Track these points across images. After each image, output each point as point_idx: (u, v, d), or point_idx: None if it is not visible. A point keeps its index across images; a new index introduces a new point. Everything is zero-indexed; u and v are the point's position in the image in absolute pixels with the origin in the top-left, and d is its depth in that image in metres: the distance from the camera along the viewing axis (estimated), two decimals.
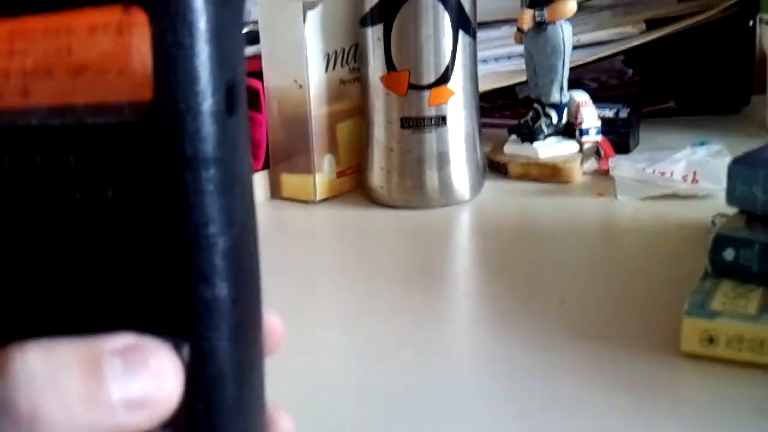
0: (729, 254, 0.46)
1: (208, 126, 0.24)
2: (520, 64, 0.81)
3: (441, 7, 0.66)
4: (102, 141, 0.24)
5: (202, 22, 0.24)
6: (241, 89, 0.26)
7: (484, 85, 0.81)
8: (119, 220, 0.24)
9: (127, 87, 0.24)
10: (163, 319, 0.25)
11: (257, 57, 0.73)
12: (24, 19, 0.24)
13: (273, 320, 0.29)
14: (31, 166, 0.24)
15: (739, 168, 0.48)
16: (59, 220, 0.25)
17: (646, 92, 0.97)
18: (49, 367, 0.23)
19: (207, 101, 0.24)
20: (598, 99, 0.79)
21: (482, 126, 0.73)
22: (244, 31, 0.92)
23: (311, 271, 0.59)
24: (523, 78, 0.80)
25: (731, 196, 0.48)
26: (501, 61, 0.90)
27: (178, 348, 0.25)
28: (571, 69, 0.75)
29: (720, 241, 0.46)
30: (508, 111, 0.95)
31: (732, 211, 0.50)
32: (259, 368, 0.28)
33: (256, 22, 0.74)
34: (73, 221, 0.25)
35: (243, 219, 0.26)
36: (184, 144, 0.24)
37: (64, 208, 0.24)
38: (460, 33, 0.67)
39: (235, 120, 0.26)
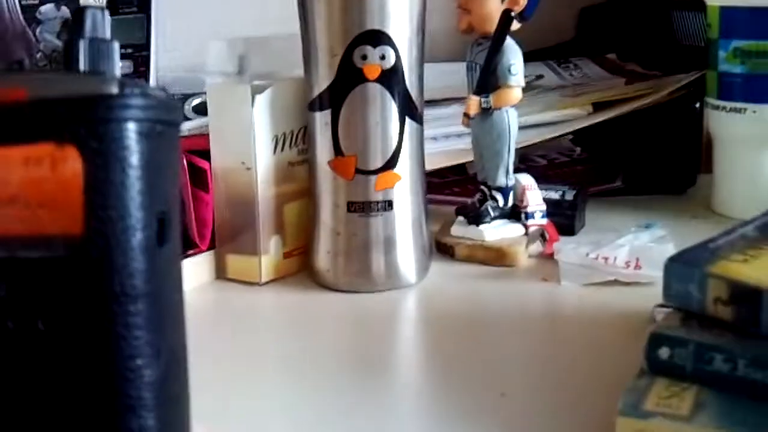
0: (664, 353, 0.46)
1: (137, 261, 0.25)
2: (469, 142, 0.82)
3: (388, 95, 0.67)
4: (33, 274, 0.24)
5: (134, 158, 0.25)
6: (174, 218, 0.26)
7: (434, 164, 0.81)
8: (49, 351, 0.25)
9: (58, 221, 0.24)
10: None
11: (205, 135, 0.73)
12: None
13: None
14: None
15: (674, 266, 0.49)
16: None
17: (594, 170, 0.98)
18: None
19: (137, 236, 0.25)
20: (546, 177, 0.80)
21: (431, 202, 0.73)
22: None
23: (253, 357, 0.59)
24: (471, 157, 0.80)
25: (667, 294, 0.49)
26: (451, 139, 0.91)
27: None
28: (520, 148, 0.76)
29: (655, 340, 0.46)
30: (457, 187, 0.95)
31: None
32: None
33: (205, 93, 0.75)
34: (3, 350, 0.25)
35: (171, 348, 0.26)
36: (113, 279, 0.24)
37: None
38: (407, 120, 0.68)
39: (166, 250, 0.26)
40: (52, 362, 0.25)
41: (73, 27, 0.29)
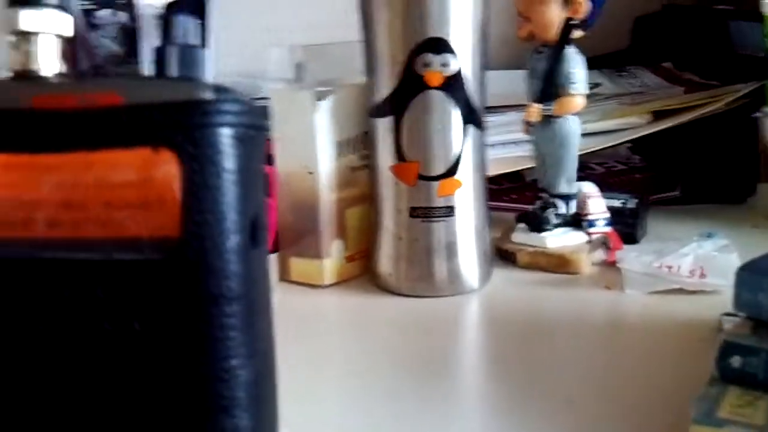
0: (736, 361, 0.46)
1: (233, 263, 0.25)
2: (527, 149, 0.82)
3: (450, 101, 0.67)
4: (129, 276, 0.25)
5: (229, 163, 0.25)
6: (264, 222, 0.27)
7: (491, 170, 0.81)
8: (145, 351, 0.25)
9: (155, 225, 0.25)
10: None
11: (268, 140, 0.74)
12: (59, 155, 0.25)
13: None
14: (60, 298, 0.25)
15: (744, 275, 0.48)
16: (89, 349, 0.25)
17: (652, 179, 0.98)
18: None
19: (232, 239, 0.25)
20: (604, 185, 0.80)
21: (489, 209, 0.74)
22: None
23: (316, 358, 0.60)
24: (529, 163, 0.81)
25: (738, 303, 0.49)
26: (508, 147, 0.91)
27: None
28: (578, 156, 0.76)
29: (727, 348, 0.46)
30: (515, 194, 0.95)
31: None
32: None
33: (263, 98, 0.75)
34: (102, 350, 0.25)
35: (264, 349, 0.27)
36: (209, 281, 0.25)
37: (94, 337, 0.25)
38: (469, 126, 0.68)
39: (258, 253, 0.26)
40: (148, 363, 0.25)
41: (164, 33, 0.29)
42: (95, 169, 0.25)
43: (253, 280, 0.26)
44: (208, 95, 0.25)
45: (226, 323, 0.25)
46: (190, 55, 0.29)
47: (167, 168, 0.25)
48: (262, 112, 0.27)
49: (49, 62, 0.28)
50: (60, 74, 0.28)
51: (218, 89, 0.26)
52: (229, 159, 0.25)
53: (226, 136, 0.25)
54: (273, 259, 0.74)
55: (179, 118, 0.25)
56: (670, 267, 0.67)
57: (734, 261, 0.64)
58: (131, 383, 0.25)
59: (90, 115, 0.25)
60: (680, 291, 0.66)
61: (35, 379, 0.25)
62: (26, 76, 0.27)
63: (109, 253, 0.25)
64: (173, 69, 0.28)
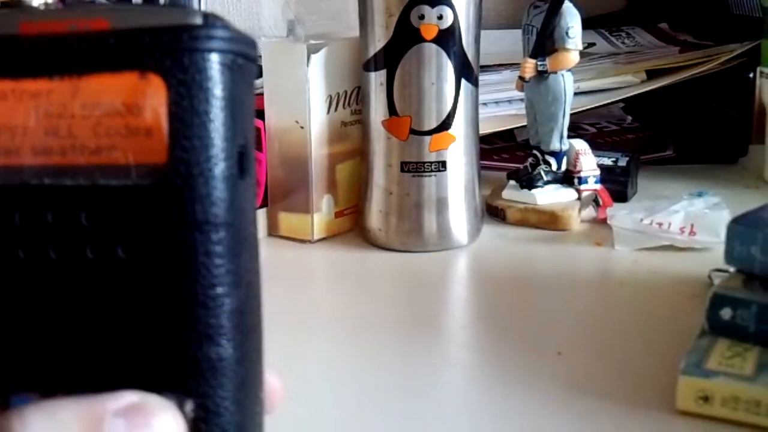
0: (726, 313, 0.46)
1: (220, 190, 0.25)
2: (520, 108, 0.82)
3: (444, 55, 0.67)
4: (114, 202, 0.25)
5: (218, 90, 0.25)
6: (252, 152, 0.27)
7: (484, 129, 0.81)
8: (129, 279, 0.25)
9: (141, 150, 0.25)
10: (168, 377, 0.25)
11: (260, 95, 0.73)
12: (45, 80, 0.25)
13: (273, 380, 0.29)
14: (43, 224, 0.25)
15: (737, 228, 0.48)
16: (69, 278, 0.25)
17: (645, 139, 0.97)
18: (50, 431, 0.23)
19: (220, 166, 0.25)
20: (596, 145, 0.80)
21: (481, 169, 0.73)
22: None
23: (305, 313, 0.60)
24: (523, 122, 0.80)
25: (729, 256, 0.49)
26: (501, 105, 0.91)
27: (182, 406, 0.25)
28: (571, 115, 0.75)
29: (717, 301, 0.46)
30: (506, 154, 0.95)
31: (729, 267, 0.50)
32: (260, 427, 0.28)
33: (260, 56, 0.75)
34: (83, 279, 0.25)
35: (249, 279, 0.27)
36: (195, 207, 0.25)
37: (75, 265, 0.25)
38: (463, 81, 0.68)
39: (245, 182, 0.26)
40: (132, 290, 0.25)
41: None
42: (82, 95, 0.25)
43: (240, 208, 0.26)
44: (198, 21, 0.25)
45: (212, 250, 0.25)
46: None
47: (155, 93, 0.24)
48: (252, 43, 0.27)
49: None
50: (48, 4, 0.28)
51: (207, 15, 0.25)
52: (217, 85, 0.25)
53: (215, 62, 0.25)
54: (262, 214, 0.73)
55: (168, 43, 0.24)
56: (660, 224, 0.67)
57: (725, 218, 0.64)
58: (113, 311, 0.25)
59: (77, 39, 0.25)
60: (670, 248, 0.66)
61: (15, 305, 0.25)
62: (14, 5, 0.27)
63: (95, 178, 0.24)
64: None
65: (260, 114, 0.73)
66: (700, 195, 0.73)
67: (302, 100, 0.70)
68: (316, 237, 0.72)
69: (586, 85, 0.89)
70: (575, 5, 0.72)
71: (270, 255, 0.70)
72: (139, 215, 0.25)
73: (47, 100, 0.25)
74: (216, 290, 0.25)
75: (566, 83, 0.73)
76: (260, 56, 0.73)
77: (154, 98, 0.24)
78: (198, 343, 0.25)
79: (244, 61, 0.26)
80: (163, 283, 0.25)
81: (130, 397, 0.24)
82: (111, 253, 0.25)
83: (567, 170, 0.75)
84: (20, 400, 0.25)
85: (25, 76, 0.25)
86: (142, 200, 0.25)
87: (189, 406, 0.25)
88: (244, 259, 0.26)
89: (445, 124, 0.68)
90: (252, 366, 0.27)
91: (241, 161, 0.26)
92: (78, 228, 0.25)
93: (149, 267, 0.25)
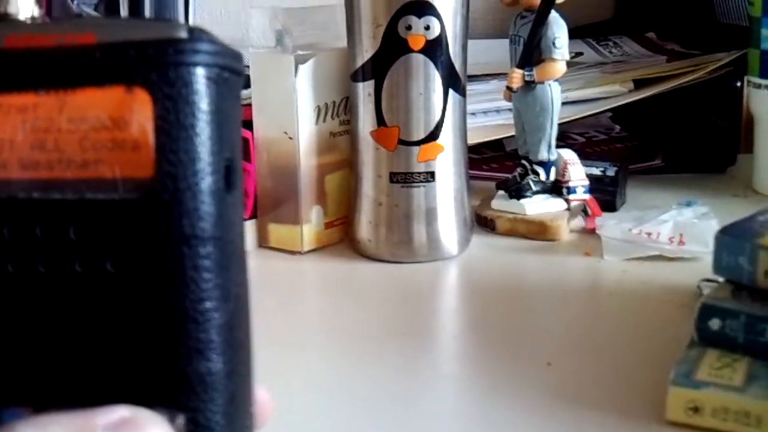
0: (715, 324, 0.46)
1: (207, 204, 0.25)
2: (509, 117, 0.82)
3: (432, 65, 0.67)
4: (102, 216, 0.25)
5: (204, 104, 0.25)
6: (239, 165, 0.27)
7: (472, 138, 0.81)
8: (117, 293, 0.25)
9: (128, 164, 0.25)
10: (158, 392, 0.25)
11: (248, 106, 0.73)
12: (31, 94, 0.25)
13: (262, 394, 0.29)
14: (31, 238, 0.25)
15: (725, 239, 0.48)
16: (58, 292, 0.25)
17: (633, 149, 0.98)
18: None
19: (207, 180, 0.25)
20: (584, 155, 0.80)
21: (470, 179, 0.73)
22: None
23: (295, 324, 0.59)
24: (511, 132, 0.80)
25: (718, 266, 0.49)
26: (489, 115, 0.91)
27: (172, 420, 0.25)
28: (559, 125, 0.75)
29: (706, 311, 0.46)
30: (495, 164, 0.95)
31: (717, 276, 0.50)
32: None
33: (247, 67, 0.74)
34: (71, 293, 0.25)
35: (238, 293, 0.27)
36: (182, 221, 0.25)
37: (63, 279, 0.25)
38: (450, 91, 0.68)
39: (232, 196, 0.26)
40: (121, 305, 0.25)
41: None
42: (69, 110, 0.25)
43: (227, 223, 0.26)
44: (183, 34, 0.25)
45: (200, 264, 0.25)
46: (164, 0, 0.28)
47: (141, 107, 0.24)
48: (237, 56, 0.27)
49: (24, 6, 0.28)
50: (35, 18, 0.27)
51: (193, 29, 0.25)
52: (203, 99, 0.25)
53: (200, 75, 0.25)
54: (251, 226, 0.73)
55: (154, 56, 0.24)
56: (649, 234, 0.67)
57: (714, 228, 0.63)
58: (103, 325, 0.25)
59: (63, 53, 0.25)
60: (659, 258, 0.66)
61: (5, 319, 0.25)
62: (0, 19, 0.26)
63: (83, 192, 0.24)
64: (148, 11, 0.28)
65: (248, 125, 0.73)
66: (688, 204, 0.73)
67: (290, 111, 0.70)
68: (305, 248, 0.72)
69: (573, 95, 0.89)
70: (562, 15, 0.73)
71: (259, 266, 0.70)
72: (127, 229, 0.25)
73: (34, 114, 0.25)
74: (205, 305, 0.25)
75: (554, 93, 0.73)
76: (247, 67, 0.73)
77: (140, 112, 0.24)
78: (188, 358, 0.25)
79: (230, 74, 0.26)
80: (151, 297, 0.25)
81: (121, 412, 0.24)
82: (100, 268, 0.25)
83: (556, 180, 0.76)
84: (12, 415, 0.25)
85: (10, 90, 0.25)
86: (129, 214, 0.25)
87: (180, 420, 0.25)
88: (232, 272, 0.26)
89: (434, 135, 0.68)
90: (242, 380, 0.27)
91: (228, 175, 0.26)
92: (66, 242, 0.25)
93: (138, 281, 0.25)
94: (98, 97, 0.25)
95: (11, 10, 0.27)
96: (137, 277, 0.25)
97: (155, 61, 0.25)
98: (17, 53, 0.25)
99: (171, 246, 0.25)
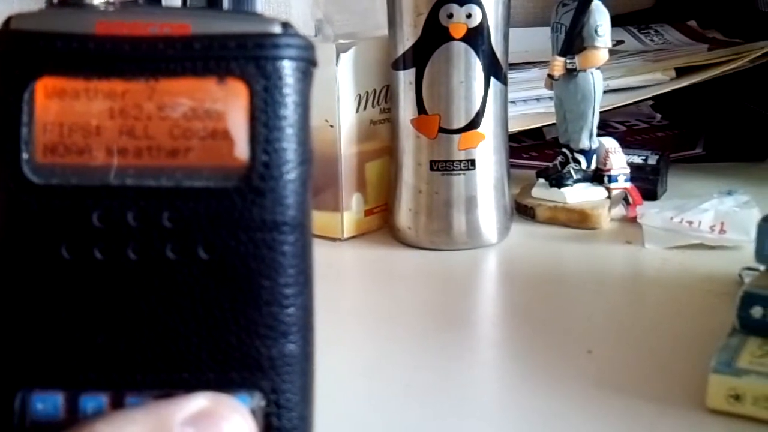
0: (757, 312, 0.46)
1: (297, 193, 0.26)
2: (549, 106, 0.82)
3: (473, 53, 0.67)
4: (196, 203, 0.25)
5: (296, 96, 0.26)
6: (311, 155, 0.28)
7: (513, 127, 0.81)
8: (207, 279, 0.26)
9: (225, 153, 0.25)
10: (243, 374, 0.26)
11: None
12: (120, 80, 0.25)
13: None
14: (123, 224, 0.25)
15: (767, 227, 0.48)
16: (147, 277, 0.26)
17: (674, 137, 0.97)
18: None
19: (297, 170, 0.26)
20: (625, 143, 0.80)
21: (510, 168, 0.73)
22: None
23: (335, 311, 0.60)
24: (551, 120, 0.80)
25: (760, 254, 0.48)
26: (530, 103, 0.91)
27: (255, 403, 0.26)
28: (600, 113, 0.75)
29: (748, 299, 0.46)
30: (535, 152, 0.95)
31: (759, 265, 0.50)
32: (313, 422, 0.29)
33: None
34: (161, 279, 0.26)
35: (312, 276, 0.28)
36: (276, 209, 0.26)
37: (154, 265, 0.25)
38: (492, 79, 0.68)
39: (311, 184, 0.27)
40: (210, 290, 0.26)
41: None
42: (159, 97, 0.25)
43: (308, 209, 0.27)
44: (277, 29, 0.26)
45: (288, 251, 0.26)
46: None
47: (238, 98, 0.25)
48: (315, 49, 0.28)
49: None
50: (111, 3, 0.28)
51: (285, 24, 0.26)
52: (296, 92, 0.26)
53: (293, 69, 0.26)
54: None
55: (251, 49, 0.26)
56: (690, 222, 0.67)
57: (755, 216, 0.63)
58: (191, 310, 0.26)
59: (160, 42, 0.25)
60: (700, 246, 0.66)
61: (98, 307, 0.26)
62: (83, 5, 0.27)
63: (179, 180, 0.25)
64: (226, 3, 0.29)
65: None
66: (729, 193, 0.72)
67: (332, 99, 0.71)
68: (345, 235, 0.73)
69: (615, 83, 0.89)
70: (604, 3, 0.72)
71: None
72: (221, 216, 0.26)
73: (122, 100, 0.25)
74: (291, 289, 0.26)
75: (595, 81, 0.73)
76: None
77: (236, 103, 0.25)
78: (273, 340, 0.26)
79: (313, 68, 0.27)
80: (241, 282, 0.26)
81: (199, 401, 0.25)
82: (192, 253, 0.26)
83: (597, 168, 0.75)
84: (89, 399, 0.25)
85: (99, 76, 0.25)
86: (223, 202, 0.25)
87: (262, 402, 0.26)
88: (310, 258, 0.27)
89: (474, 123, 0.68)
90: (313, 362, 0.28)
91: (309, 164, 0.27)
92: (159, 228, 0.25)
93: (228, 267, 0.26)
94: (190, 86, 0.25)
95: None
96: (228, 262, 0.26)
97: (253, 54, 0.26)
98: (107, 39, 0.25)
99: (264, 232, 0.26)
